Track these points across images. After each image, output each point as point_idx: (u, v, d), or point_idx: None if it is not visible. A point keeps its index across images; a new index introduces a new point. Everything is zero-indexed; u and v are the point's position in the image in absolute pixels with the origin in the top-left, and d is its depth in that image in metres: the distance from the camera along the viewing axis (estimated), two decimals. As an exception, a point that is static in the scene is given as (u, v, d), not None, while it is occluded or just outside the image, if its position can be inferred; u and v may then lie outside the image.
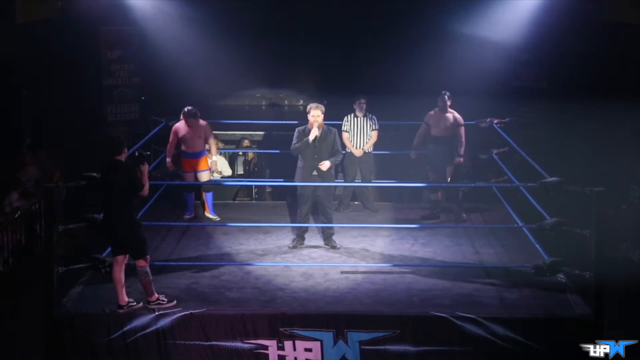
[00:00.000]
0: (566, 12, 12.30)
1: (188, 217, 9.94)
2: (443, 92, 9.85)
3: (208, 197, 9.92)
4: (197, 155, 9.76)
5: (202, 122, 9.77)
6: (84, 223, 7.64)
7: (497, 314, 7.29)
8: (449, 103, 9.79)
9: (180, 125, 9.73)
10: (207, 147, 9.85)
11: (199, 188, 9.95)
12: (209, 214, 9.95)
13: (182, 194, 10.09)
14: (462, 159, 9.80)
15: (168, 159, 9.79)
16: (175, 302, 7.37)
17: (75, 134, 12.06)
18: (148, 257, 7.33)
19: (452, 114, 9.82)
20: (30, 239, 9.92)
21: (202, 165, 9.81)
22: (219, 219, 9.89)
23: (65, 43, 12.15)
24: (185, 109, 9.69)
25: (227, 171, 11.90)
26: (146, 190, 7.31)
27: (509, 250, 8.72)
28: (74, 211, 8.77)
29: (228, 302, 7.49)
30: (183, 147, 9.75)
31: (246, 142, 13.16)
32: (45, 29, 11.99)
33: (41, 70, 12.11)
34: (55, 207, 7.43)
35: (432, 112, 9.89)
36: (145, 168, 7.34)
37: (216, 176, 10.64)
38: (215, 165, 9.99)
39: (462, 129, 9.84)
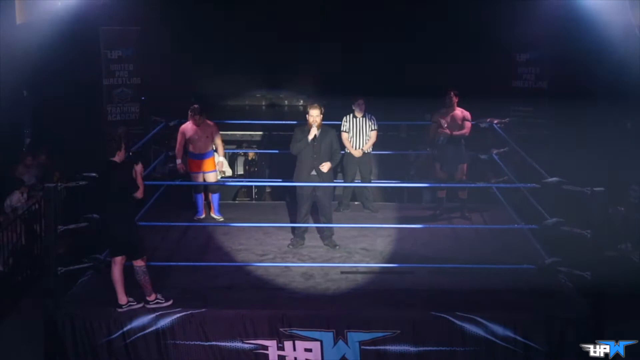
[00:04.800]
0: (567, 11, 12.30)
1: (199, 217, 9.92)
2: (449, 90, 9.82)
3: (214, 197, 9.92)
4: (204, 156, 9.73)
5: (209, 122, 9.76)
6: (84, 223, 7.64)
7: (497, 314, 7.29)
8: (456, 100, 9.77)
9: (188, 126, 9.70)
10: (213, 147, 9.83)
11: (206, 189, 9.93)
12: (213, 214, 9.95)
13: (191, 195, 10.06)
14: (450, 131, 9.72)
15: (178, 161, 9.74)
16: (172, 301, 7.38)
17: (75, 134, 12.06)
18: (145, 257, 7.34)
19: (460, 111, 9.81)
20: (30, 239, 9.91)
21: (209, 166, 9.78)
22: (222, 219, 9.88)
23: (65, 43, 12.15)
24: (192, 107, 9.67)
25: (230, 171, 11.92)
26: (141, 191, 7.30)
27: (509, 250, 8.71)
28: (74, 211, 8.78)
29: (228, 302, 7.49)
30: (190, 148, 9.71)
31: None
32: (45, 29, 11.98)
33: (41, 70, 12.11)
34: (55, 207, 7.43)
35: (439, 112, 9.86)
36: (140, 168, 7.33)
37: (218, 176, 10.63)
38: (221, 166, 9.98)
39: (469, 124, 9.82)
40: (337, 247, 8.87)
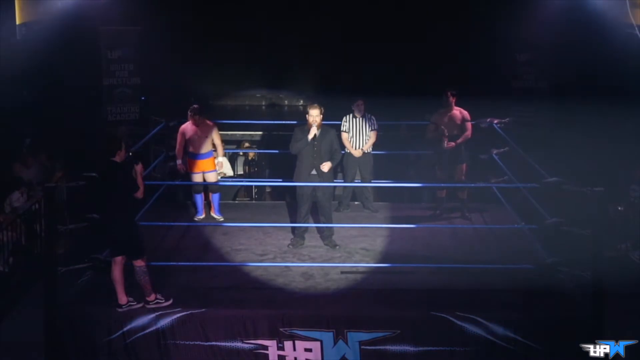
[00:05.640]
0: (566, 11, 12.32)
1: (199, 217, 9.91)
2: (446, 90, 9.81)
3: (215, 197, 9.90)
4: (204, 156, 9.72)
5: (209, 122, 9.75)
6: (84, 223, 7.64)
7: (497, 314, 7.29)
8: (453, 100, 9.76)
9: (187, 127, 9.69)
10: (213, 147, 9.82)
11: (206, 189, 9.93)
12: (214, 214, 9.94)
13: (191, 195, 10.05)
14: (452, 144, 9.72)
15: (179, 161, 9.73)
16: (172, 300, 7.38)
17: (75, 134, 12.06)
18: (145, 257, 7.34)
19: (459, 111, 9.80)
20: (30, 239, 9.91)
21: (209, 166, 9.77)
22: (222, 219, 9.88)
23: (65, 43, 12.15)
24: (192, 107, 9.66)
25: (231, 172, 11.92)
26: (141, 191, 7.30)
27: (509, 250, 8.71)
28: (74, 211, 8.78)
29: (228, 302, 7.49)
30: (190, 149, 9.70)
31: (246, 144, 13.17)
32: (45, 29, 11.99)
33: (41, 70, 12.11)
34: (55, 207, 7.43)
35: (438, 112, 9.86)
36: (140, 168, 7.33)
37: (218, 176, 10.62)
38: (221, 166, 9.97)
39: (469, 125, 9.82)
40: (337, 247, 8.86)
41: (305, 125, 8.71)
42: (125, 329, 7.25)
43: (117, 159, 7.25)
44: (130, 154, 7.53)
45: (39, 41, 11.86)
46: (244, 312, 7.31)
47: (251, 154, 12.96)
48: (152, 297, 7.33)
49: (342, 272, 8.17)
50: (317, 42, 13.55)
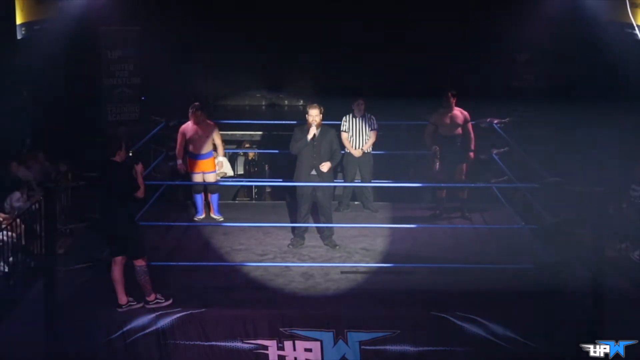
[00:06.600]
0: (566, 11, 12.32)
1: (199, 217, 9.90)
2: (447, 90, 9.82)
3: (214, 198, 9.91)
4: (204, 156, 9.72)
5: (209, 121, 9.76)
6: (84, 223, 7.64)
7: (497, 314, 7.29)
8: (453, 101, 9.77)
9: (188, 126, 9.69)
10: (213, 147, 9.82)
11: (206, 189, 9.93)
12: (213, 215, 9.94)
13: (191, 195, 10.05)
14: (472, 154, 9.80)
15: (179, 161, 9.73)
16: (171, 300, 7.38)
17: (75, 134, 12.07)
18: (145, 256, 7.34)
19: (459, 111, 9.81)
20: (30, 239, 9.91)
21: (209, 166, 9.77)
22: (222, 219, 9.88)
23: (65, 43, 12.15)
24: (193, 104, 9.66)
25: (231, 172, 11.92)
26: (142, 191, 7.30)
27: (509, 250, 8.72)
28: (74, 211, 8.78)
29: (228, 302, 7.49)
30: (190, 149, 9.70)
31: (246, 144, 13.18)
32: (45, 29, 11.99)
33: (41, 70, 12.11)
34: (55, 207, 7.43)
35: (438, 112, 9.86)
36: (140, 168, 7.34)
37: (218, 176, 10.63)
38: (221, 166, 9.97)
39: (470, 125, 9.84)
40: (337, 247, 8.87)
41: (305, 125, 8.71)
42: (125, 329, 7.25)
43: (117, 159, 7.25)
44: (130, 154, 7.53)
45: (39, 41, 11.86)
46: (244, 312, 7.31)
47: (251, 154, 12.97)
48: (152, 297, 7.33)
49: (342, 272, 8.18)
50: (317, 42, 13.55)
